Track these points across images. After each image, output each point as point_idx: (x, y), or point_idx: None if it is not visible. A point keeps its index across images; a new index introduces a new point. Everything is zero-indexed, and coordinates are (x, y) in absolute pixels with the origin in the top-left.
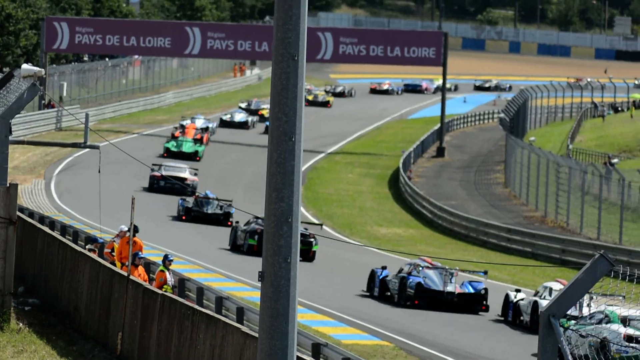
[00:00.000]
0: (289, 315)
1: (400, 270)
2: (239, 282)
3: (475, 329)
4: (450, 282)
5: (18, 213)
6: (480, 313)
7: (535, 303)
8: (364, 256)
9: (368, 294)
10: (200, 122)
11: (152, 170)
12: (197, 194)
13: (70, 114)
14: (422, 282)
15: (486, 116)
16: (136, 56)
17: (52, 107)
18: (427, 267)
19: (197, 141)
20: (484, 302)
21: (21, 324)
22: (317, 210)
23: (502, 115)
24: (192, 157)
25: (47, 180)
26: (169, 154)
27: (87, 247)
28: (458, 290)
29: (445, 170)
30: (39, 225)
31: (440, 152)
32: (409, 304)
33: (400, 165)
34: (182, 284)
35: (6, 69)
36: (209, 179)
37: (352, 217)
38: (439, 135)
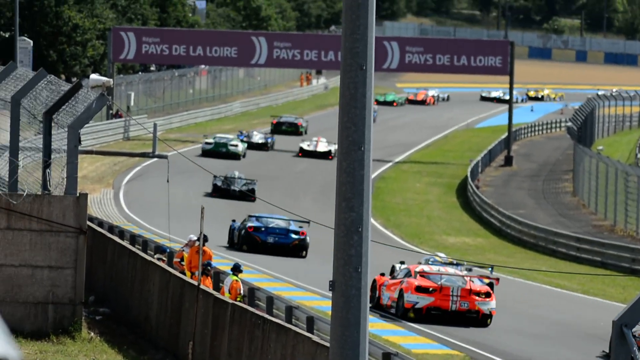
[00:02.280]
0: (360, 325)
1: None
2: (308, 291)
3: (547, 338)
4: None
5: (88, 222)
6: None
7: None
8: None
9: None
10: None
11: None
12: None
13: (138, 124)
14: None
15: (553, 125)
16: (203, 66)
17: (120, 116)
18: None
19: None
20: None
21: (92, 333)
22: (385, 219)
23: (569, 124)
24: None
25: (115, 190)
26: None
27: (155, 256)
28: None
29: (513, 179)
30: (108, 235)
31: (508, 161)
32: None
33: (469, 174)
34: (251, 293)
35: (74, 79)
36: (278, 189)
37: (420, 227)
38: (507, 144)
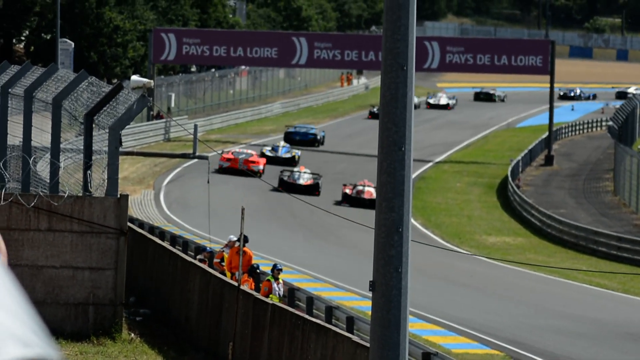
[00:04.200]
0: (400, 325)
1: None
2: (348, 292)
3: (588, 338)
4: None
5: (128, 224)
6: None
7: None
8: (473, 265)
9: None
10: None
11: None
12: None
13: (179, 125)
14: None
15: (594, 124)
16: (243, 67)
17: (161, 118)
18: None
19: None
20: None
21: (133, 334)
22: (426, 219)
23: (610, 123)
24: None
25: (156, 191)
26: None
27: (197, 257)
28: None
29: (554, 178)
30: (149, 236)
31: (548, 161)
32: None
33: (509, 174)
34: (291, 293)
35: (115, 81)
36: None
37: (460, 226)
38: (547, 143)
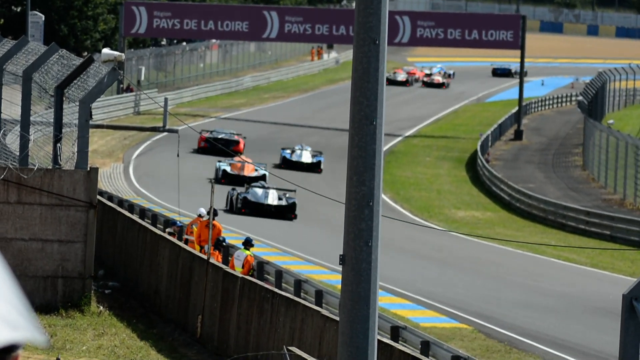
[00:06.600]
0: (370, 299)
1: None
2: (317, 265)
3: (556, 312)
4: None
5: (98, 197)
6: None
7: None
8: (442, 239)
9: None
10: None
11: None
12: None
13: (149, 98)
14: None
15: (564, 99)
16: (214, 40)
17: (131, 91)
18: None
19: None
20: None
21: (102, 307)
22: (395, 193)
23: (580, 98)
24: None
25: (125, 164)
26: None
27: (166, 230)
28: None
29: (523, 153)
30: (118, 209)
31: (518, 135)
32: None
33: (478, 149)
34: (261, 267)
35: (85, 54)
36: None
37: (430, 200)
38: (517, 118)
